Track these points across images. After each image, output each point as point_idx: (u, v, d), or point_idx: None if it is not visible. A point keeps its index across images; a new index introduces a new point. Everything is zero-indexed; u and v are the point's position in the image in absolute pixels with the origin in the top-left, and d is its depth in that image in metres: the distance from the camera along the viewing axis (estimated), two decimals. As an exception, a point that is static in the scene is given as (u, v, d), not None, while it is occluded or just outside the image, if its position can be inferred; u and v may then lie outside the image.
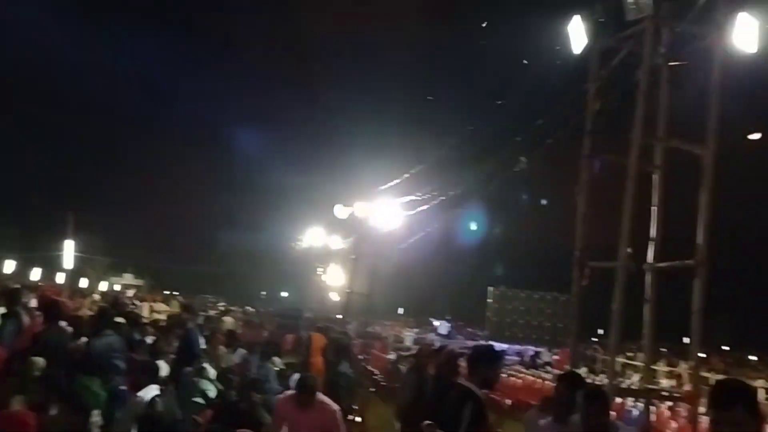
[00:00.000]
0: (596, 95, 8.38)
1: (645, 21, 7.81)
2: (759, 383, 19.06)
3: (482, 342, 25.81)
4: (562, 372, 9.07)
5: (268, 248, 45.17)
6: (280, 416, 5.75)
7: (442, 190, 22.08)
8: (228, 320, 20.98)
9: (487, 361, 4.44)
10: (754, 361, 32.50)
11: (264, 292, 49.93)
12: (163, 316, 17.60)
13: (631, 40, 8.21)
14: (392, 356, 18.97)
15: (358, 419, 8.96)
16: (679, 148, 8.10)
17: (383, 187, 23.27)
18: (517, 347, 32.67)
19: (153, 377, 6.54)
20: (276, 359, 10.00)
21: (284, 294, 49.31)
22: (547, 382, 16.00)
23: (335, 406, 5.72)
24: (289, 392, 6.10)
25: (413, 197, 22.68)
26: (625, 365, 18.91)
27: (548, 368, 22.37)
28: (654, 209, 8.18)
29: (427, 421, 4.17)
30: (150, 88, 44.51)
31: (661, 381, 17.78)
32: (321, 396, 5.72)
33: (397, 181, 23.06)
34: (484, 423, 4.30)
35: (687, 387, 10.59)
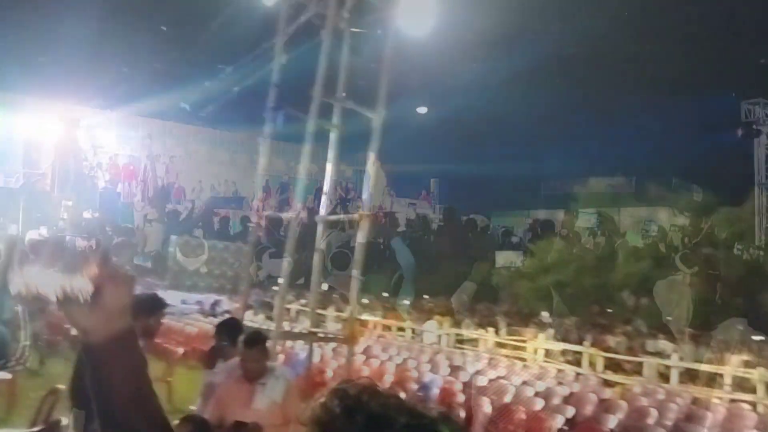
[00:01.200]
0: (283, 49, 8.52)
1: (331, -17, 8.13)
2: (407, 324, 21.85)
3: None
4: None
5: None
6: None
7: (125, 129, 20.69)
8: None
9: (147, 311, 4.28)
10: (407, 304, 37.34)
11: None
12: None
13: (318, 0, 8.48)
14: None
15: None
16: (354, 110, 8.67)
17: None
18: (198, 297, 32.43)
19: None
20: None
21: None
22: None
23: None
24: None
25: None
26: (299, 311, 20.06)
27: (227, 316, 22.60)
28: (328, 165, 8.68)
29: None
30: None
31: (328, 325, 19.26)
32: None
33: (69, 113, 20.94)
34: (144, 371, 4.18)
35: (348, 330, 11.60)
